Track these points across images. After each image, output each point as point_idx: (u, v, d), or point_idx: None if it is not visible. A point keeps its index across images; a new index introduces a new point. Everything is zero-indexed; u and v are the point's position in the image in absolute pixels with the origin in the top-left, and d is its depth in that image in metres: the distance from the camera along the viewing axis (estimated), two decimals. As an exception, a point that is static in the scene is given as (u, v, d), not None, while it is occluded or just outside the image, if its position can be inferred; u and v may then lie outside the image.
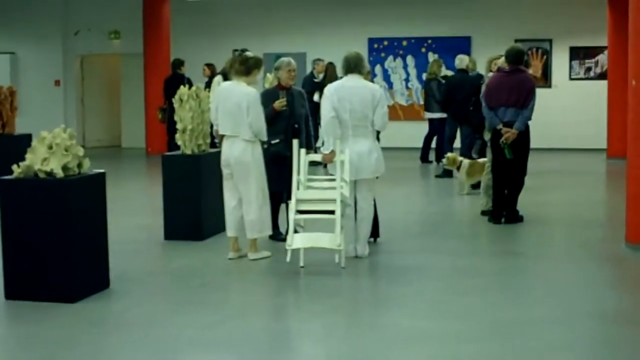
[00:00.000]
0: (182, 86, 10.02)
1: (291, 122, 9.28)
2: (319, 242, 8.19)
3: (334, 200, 8.18)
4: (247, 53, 8.89)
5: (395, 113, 20.51)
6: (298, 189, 8.38)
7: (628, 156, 9.20)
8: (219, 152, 10.16)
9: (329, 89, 8.72)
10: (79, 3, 21.92)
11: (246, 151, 8.57)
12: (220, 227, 9.46)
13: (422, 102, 19.00)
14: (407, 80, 20.70)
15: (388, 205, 10.88)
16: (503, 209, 10.38)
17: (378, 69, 20.75)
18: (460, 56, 15.02)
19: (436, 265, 8.51)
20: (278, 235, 9.25)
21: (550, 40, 19.80)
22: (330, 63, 16.69)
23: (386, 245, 9.30)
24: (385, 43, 20.77)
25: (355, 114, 8.50)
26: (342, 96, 8.54)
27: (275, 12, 20.98)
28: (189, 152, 9.91)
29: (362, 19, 20.62)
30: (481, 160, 12.00)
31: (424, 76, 17.89)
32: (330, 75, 16.50)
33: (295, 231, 8.26)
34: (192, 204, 9.73)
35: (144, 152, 19.91)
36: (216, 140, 13.24)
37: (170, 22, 19.69)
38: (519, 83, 10.23)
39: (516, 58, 10.35)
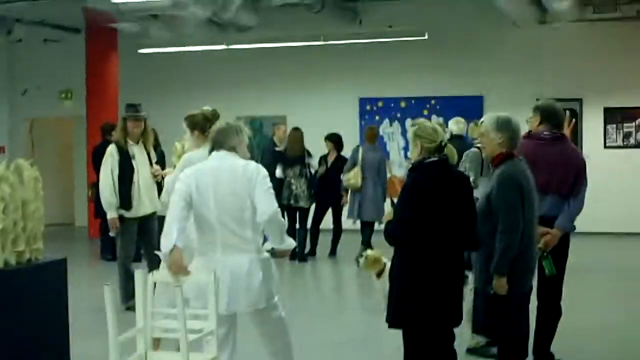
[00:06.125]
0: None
1: None
2: None
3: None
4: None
5: (392, 188, 17.05)
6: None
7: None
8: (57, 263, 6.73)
9: (184, 171, 5.66)
10: (28, 59, 18.75)
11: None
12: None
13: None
14: (406, 148, 17.19)
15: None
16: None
17: (372, 134, 17.31)
18: (457, 119, 11.66)
19: None
20: None
21: (580, 100, 16.26)
22: (296, 129, 13.28)
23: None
24: (380, 104, 17.34)
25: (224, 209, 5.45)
26: (202, 182, 5.46)
27: (249, 67, 17.60)
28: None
29: (352, 75, 17.23)
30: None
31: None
32: (293, 143, 13.09)
33: None
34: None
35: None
36: (112, 233, 9.90)
37: (120, 79, 16.47)
38: (567, 158, 6.73)
39: (557, 119, 6.81)
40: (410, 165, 5.51)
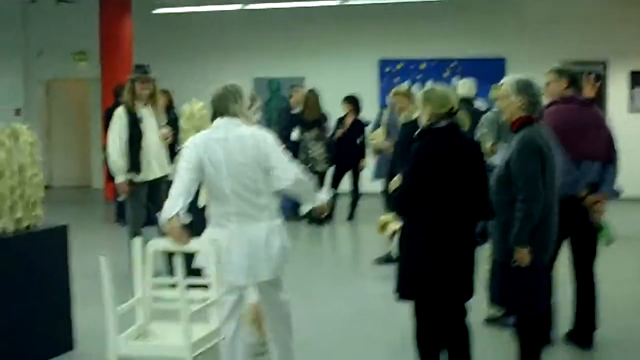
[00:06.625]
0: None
1: None
2: None
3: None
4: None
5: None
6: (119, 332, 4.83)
7: None
8: (58, 229, 6.52)
9: (194, 140, 5.31)
10: (41, 20, 18.45)
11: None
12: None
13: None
14: (425, 111, 16.79)
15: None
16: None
17: (390, 97, 16.94)
18: (464, 80, 11.14)
19: None
20: None
21: (604, 63, 15.83)
22: (311, 91, 12.98)
23: None
24: (400, 66, 16.91)
25: (237, 179, 5.16)
26: (214, 155, 5.24)
27: (266, 28, 17.24)
28: (-3, 232, 6.10)
29: (372, 36, 16.80)
30: None
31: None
32: (310, 106, 12.79)
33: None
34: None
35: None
36: (120, 198, 9.64)
37: (134, 39, 16.17)
38: (602, 121, 6.52)
39: (579, 84, 6.50)
40: (418, 132, 5.20)
